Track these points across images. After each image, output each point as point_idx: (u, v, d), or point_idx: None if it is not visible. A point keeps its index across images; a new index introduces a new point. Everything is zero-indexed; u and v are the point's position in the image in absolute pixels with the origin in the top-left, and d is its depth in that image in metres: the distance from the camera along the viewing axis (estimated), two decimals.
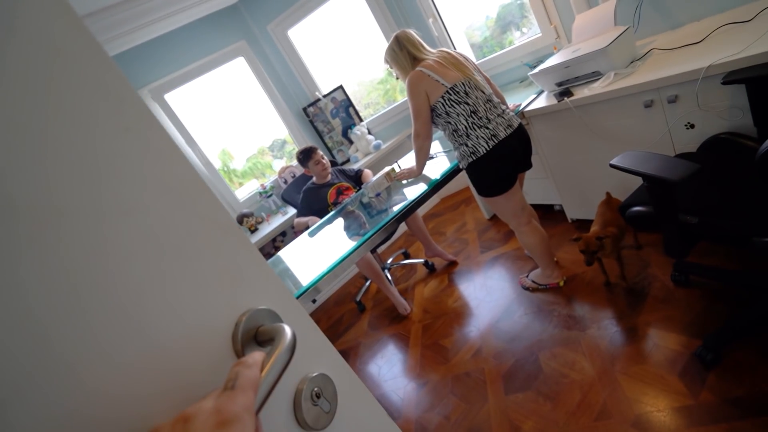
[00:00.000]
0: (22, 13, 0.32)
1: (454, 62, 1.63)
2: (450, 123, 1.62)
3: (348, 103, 3.46)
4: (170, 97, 3.03)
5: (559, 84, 1.99)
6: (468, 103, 1.59)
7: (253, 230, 3.13)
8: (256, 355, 0.35)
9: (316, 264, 1.74)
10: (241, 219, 3.11)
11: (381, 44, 3.35)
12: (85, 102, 0.35)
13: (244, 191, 3.48)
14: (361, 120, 3.48)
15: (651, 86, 1.52)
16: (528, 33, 2.83)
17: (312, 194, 2.53)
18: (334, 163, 2.82)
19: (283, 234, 3.31)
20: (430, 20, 2.88)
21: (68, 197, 0.32)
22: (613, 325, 1.59)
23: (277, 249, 3.29)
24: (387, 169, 2.12)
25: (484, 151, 1.58)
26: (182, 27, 2.97)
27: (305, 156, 2.48)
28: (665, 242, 1.22)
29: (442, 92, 1.59)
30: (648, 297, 1.62)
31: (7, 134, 0.29)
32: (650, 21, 1.92)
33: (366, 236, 1.61)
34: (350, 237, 1.98)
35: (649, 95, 1.56)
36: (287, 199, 2.71)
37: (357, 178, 2.68)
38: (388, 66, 1.81)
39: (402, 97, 3.59)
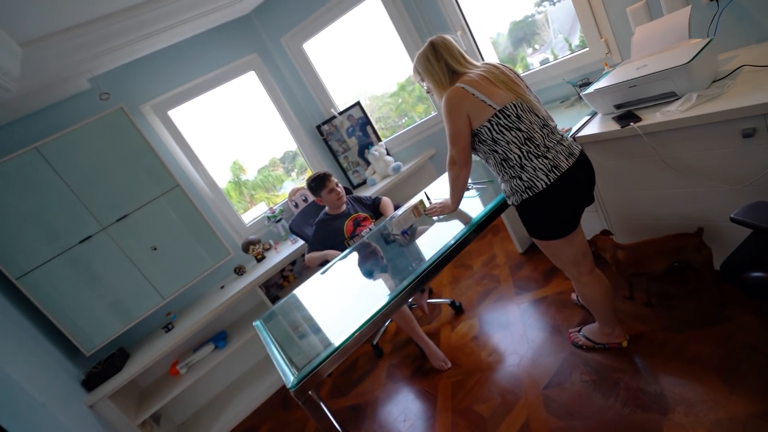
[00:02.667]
0: None
1: (504, 79, 1.35)
2: (497, 152, 1.33)
3: (365, 121, 3.20)
4: (175, 114, 2.81)
5: (619, 106, 1.69)
6: (521, 129, 1.30)
7: (260, 259, 2.85)
8: None
9: (339, 314, 1.46)
10: (246, 246, 2.84)
11: (398, 58, 3.10)
12: None
13: (251, 215, 3.22)
14: (379, 139, 3.21)
15: (754, 111, 1.22)
16: (540, 50, 2.72)
17: (326, 227, 2.25)
18: (348, 191, 2.54)
19: (293, 263, 3.04)
20: (459, 33, 2.63)
21: None
22: (709, 411, 1.25)
23: (285, 279, 3.00)
24: (414, 201, 1.83)
25: (544, 186, 1.28)
26: (189, 39, 2.76)
27: (317, 184, 2.21)
28: None
29: (489, 115, 1.30)
30: (749, 377, 1.28)
31: None
32: (731, 33, 1.63)
33: (397, 291, 1.31)
34: (371, 277, 1.70)
35: (749, 122, 1.26)
36: (295, 231, 2.42)
37: (375, 207, 2.40)
38: (419, 79, 1.53)
39: (420, 116, 3.32)
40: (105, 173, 2.30)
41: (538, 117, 1.34)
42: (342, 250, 2.14)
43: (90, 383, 2.15)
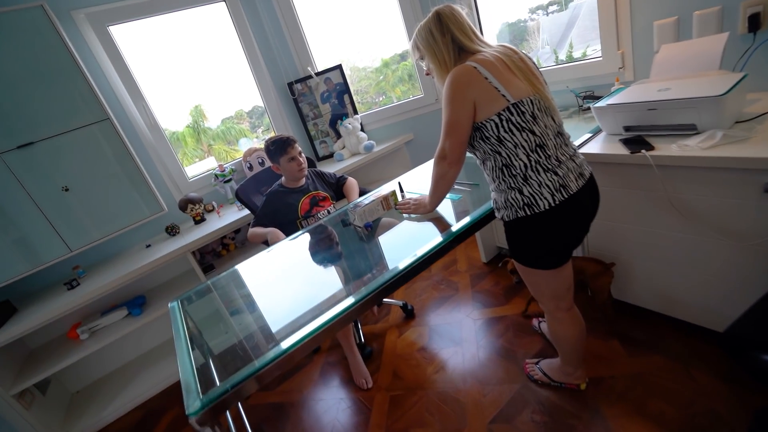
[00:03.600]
0: None
1: (522, 67, 1.11)
2: (500, 154, 1.10)
3: (344, 89, 2.87)
4: (118, 32, 2.33)
5: (629, 128, 1.52)
6: (534, 132, 1.08)
7: (199, 221, 2.49)
8: None
9: (280, 311, 1.21)
10: (184, 204, 2.46)
11: (391, 31, 2.80)
12: None
13: (197, 169, 2.82)
14: (355, 112, 2.90)
15: None
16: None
17: (278, 200, 1.94)
18: (311, 163, 2.23)
19: (237, 231, 2.70)
20: (464, 11, 2.34)
21: None
22: None
23: (225, 248, 2.67)
24: (385, 191, 1.57)
25: (546, 207, 1.07)
26: None
27: (277, 148, 1.88)
28: None
29: (500, 108, 1.06)
30: None
31: None
32: (758, 73, 1.48)
33: (352, 303, 1.07)
34: (324, 268, 1.45)
35: None
36: (242, 198, 2.09)
37: (338, 188, 2.12)
38: (418, 57, 1.26)
39: (399, 98, 3.05)
40: (7, 85, 1.83)
41: (554, 122, 1.12)
42: (292, 231, 1.86)
43: None
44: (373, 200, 1.52)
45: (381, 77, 3.39)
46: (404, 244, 1.37)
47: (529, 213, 1.09)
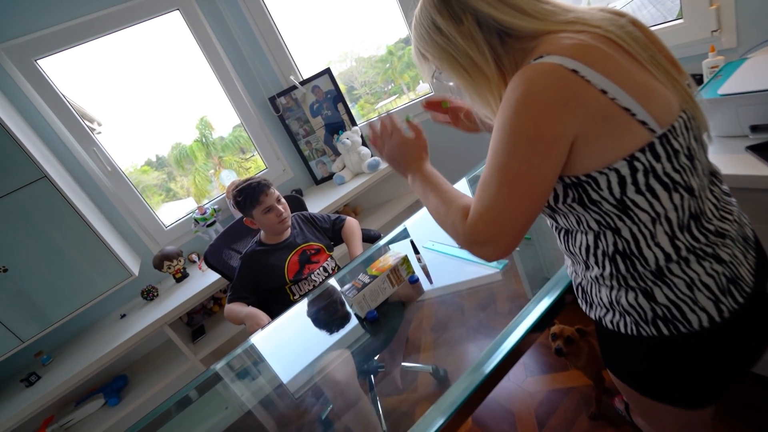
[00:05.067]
0: None
1: (653, 54, 0.56)
2: (618, 232, 0.57)
3: (336, 96, 2.38)
4: (51, 65, 1.91)
5: (756, 128, 0.97)
6: (692, 190, 0.56)
7: (180, 277, 2.08)
8: None
9: None
10: (159, 262, 2.05)
11: (392, 15, 2.28)
12: None
13: (174, 213, 2.40)
14: (353, 123, 2.41)
15: None
16: None
17: (258, 263, 1.48)
18: (298, 203, 1.77)
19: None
20: None
21: None
22: None
23: (216, 303, 2.26)
24: (393, 259, 1.09)
25: (706, 324, 0.56)
26: None
27: (247, 198, 1.42)
28: None
29: (637, 146, 0.52)
30: None
31: None
32: None
33: None
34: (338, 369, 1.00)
35: None
36: (213, 264, 1.64)
37: (335, 233, 1.65)
38: (428, 67, 0.71)
39: (408, 84, 2.55)
40: None
41: (704, 151, 0.60)
42: (282, 302, 1.41)
43: None
44: (376, 278, 1.04)
45: (387, 65, 3.06)
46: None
47: (667, 333, 0.58)
